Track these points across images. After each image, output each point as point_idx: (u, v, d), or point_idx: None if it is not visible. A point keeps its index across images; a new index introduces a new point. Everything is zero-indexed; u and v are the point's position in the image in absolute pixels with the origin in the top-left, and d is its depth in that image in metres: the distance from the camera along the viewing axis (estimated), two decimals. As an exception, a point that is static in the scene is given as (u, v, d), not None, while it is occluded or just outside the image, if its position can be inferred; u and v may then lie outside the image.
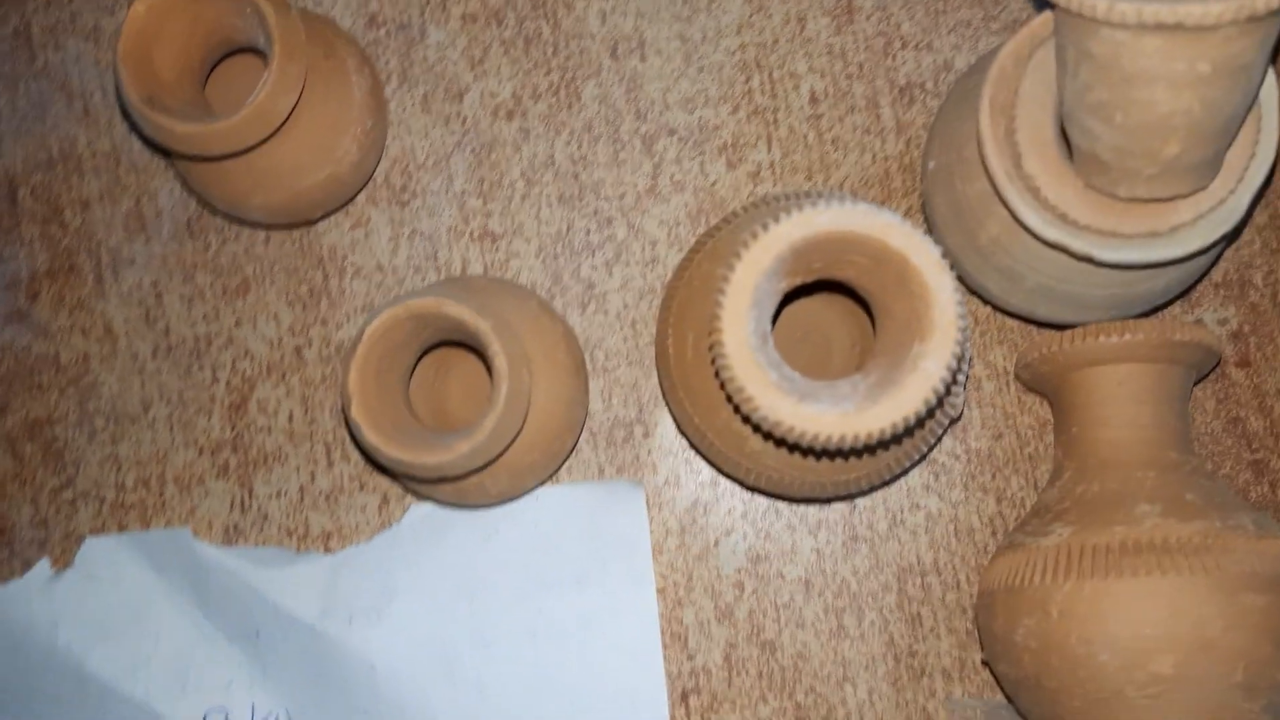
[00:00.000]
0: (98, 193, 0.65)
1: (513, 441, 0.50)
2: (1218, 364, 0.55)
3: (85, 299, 0.64)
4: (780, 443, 0.46)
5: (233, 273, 0.64)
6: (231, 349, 0.63)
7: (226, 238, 0.64)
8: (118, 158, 0.65)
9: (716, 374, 0.44)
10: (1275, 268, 0.59)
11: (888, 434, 0.40)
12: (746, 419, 0.45)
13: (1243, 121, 0.41)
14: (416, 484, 0.55)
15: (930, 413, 0.45)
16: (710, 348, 0.41)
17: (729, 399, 0.45)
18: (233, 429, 0.63)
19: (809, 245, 0.41)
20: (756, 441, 0.48)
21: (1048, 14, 0.46)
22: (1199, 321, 0.59)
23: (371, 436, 0.48)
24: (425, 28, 0.64)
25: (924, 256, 0.40)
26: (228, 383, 0.63)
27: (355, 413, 0.48)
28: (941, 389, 0.40)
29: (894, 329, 0.43)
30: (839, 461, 0.48)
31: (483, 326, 0.48)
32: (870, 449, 0.46)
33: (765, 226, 0.40)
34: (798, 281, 0.44)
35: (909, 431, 0.44)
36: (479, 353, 0.56)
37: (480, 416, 0.48)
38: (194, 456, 0.63)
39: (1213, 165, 0.42)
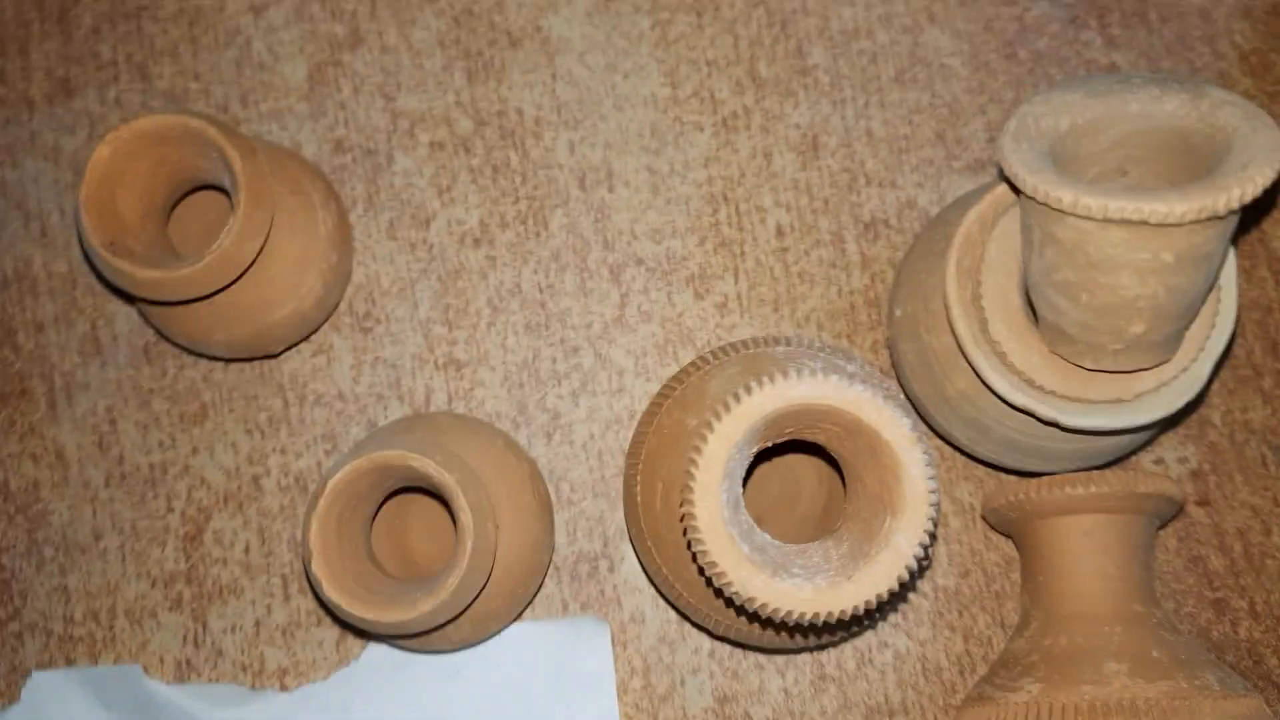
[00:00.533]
0: (52, 315, 0.63)
1: (475, 595, 0.49)
2: (1180, 510, 0.55)
3: (37, 424, 0.63)
4: (742, 613, 0.46)
5: (190, 399, 0.62)
6: (187, 478, 0.62)
7: (184, 364, 0.63)
8: (74, 280, 0.64)
9: (689, 545, 0.43)
10: (1232, 407, 0.60)
11: (860, 611, 0.39)
12: (719, 592, 0.45)
13: (1205, 300, 0.42)
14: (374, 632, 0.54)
15: (904, 586, 0.44)
16: (682, 519, 0.41)
17: (700, 572, 0.44)
18: (187, 560, 0.61)
19: (781, 416, 0.41)
20: (725, 602, 0.47)
21: (1013, 182, 0.46)
22: (1159, 461, 0.60)
23: (333, 594, 0.47)
24: (392, 154, 0.64)
25: (896, 432, 0.40)
26: (183, 512, 0.62)
27: (316, 568, 0.47)
28: (915, 565, 0.39)
29: (865, 495, 0.42)
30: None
31: (448, 480, 0.47)
32: (845, 625, 0.46)
33: (737, 398, 0.40)
34: (768, 444, 0.44)
35: (881, 606, 0.44)
36: (439, 498, 0.55)
37: (443, 573, 0.47)
38: (146, 588, 0.61)
39: (1176, 341, 0.43)
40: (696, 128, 0.64)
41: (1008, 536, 0.58)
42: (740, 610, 0.46)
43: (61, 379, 0.63)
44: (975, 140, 0.63)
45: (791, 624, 0.40)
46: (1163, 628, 0.50)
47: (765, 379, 0.40)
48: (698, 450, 0.40)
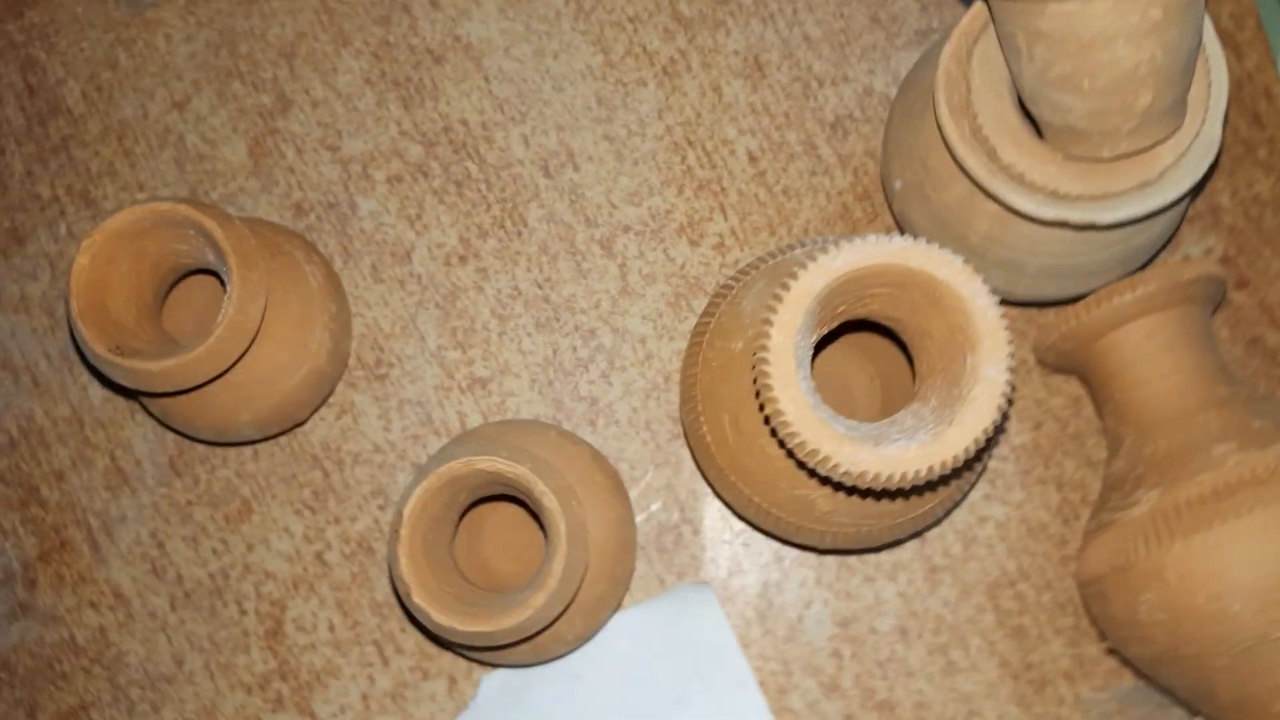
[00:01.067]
0: (69, 460, 0.62)
1: (581, 579, 0.48)
2: (1224, 292, 0.55)
3: (86, 571, 0.61)
4: (854, 493, 0.45)
5: (230, 499, 0.61)
6: (251, 576, 0.60)
7: (214, 465, 0.61)
8: (80, 419, 0.62)
9: (781, 444, 0.42)
10: (1237, 187, 0.60)
11: (973, 451, 0.38)
12: (825, 480, 0.44)
13: (1196, 58, 0.42)
14: (489, 653, 0.53)
15: (1006, 416, 0.44)
16: (768, 421, 0.40)
17: (800, 465, 0.43)
18: (275, 657, 0.59)
19: (833, 292, 0.40)
20: (826, 502, 0.46)
21: (977, 7, 0.46)
22: (1186, 259, 0.60)
23: (442, 618, 0.45)
24: (354, 201, 0.63)
25: (951, 270, 0.39)
26: (257, 611, 0.60)
27: (418, 598, 0.45)
28: (1010, 391, 0.39)
29: (935, 348, 0.42)
30: (914, 498, 0.46)
31: (520, 471, 0.46)
32: (956, 473, 0.45)
33: (786, 286, 0.39)
34: (825, 331, 0.43)
35: (989, 443, 0.43)
36: (514, 500, 0.54)
37: (545, 563, 0.46)
38: (244, 698, 0.59)
39: (1182, 105, 0.43)
40: (640, 84, 0.63)
41: (1069, 373, 0.58)
42: (850, 491, 0.44)
43: (96, 519, 0.61)
44: (909, 14, 0.63)
45: (909, 487, 0.39)
46: (1253, 399, 0.50)
47: (808, 261, 0.40)
48: (764, 349, 0.39)
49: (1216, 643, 0.45)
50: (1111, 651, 0.54)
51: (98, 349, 0.47)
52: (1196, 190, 0.52)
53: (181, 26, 0.65)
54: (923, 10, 0.63)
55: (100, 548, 0.61)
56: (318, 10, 0.65)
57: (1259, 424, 0.48)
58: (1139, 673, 0.54)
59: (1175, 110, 0.42)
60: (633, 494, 0.60)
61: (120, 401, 0.62)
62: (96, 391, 0.62)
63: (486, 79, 0.64)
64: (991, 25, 0.46)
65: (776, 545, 0.59)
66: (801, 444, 0.39)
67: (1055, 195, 0.45)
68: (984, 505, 0.58)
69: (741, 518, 0.57)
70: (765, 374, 0.39)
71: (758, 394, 0.41)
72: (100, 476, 0.61)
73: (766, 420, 0.41)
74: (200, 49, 0.65)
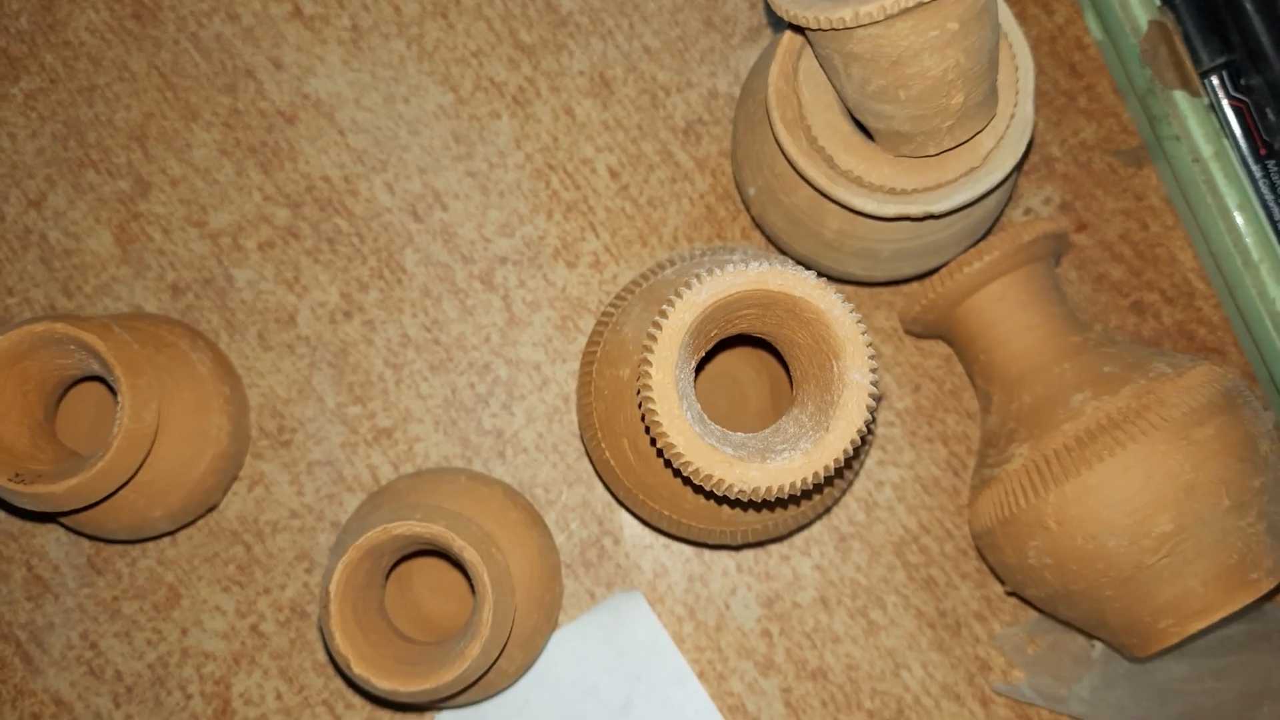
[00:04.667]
0: (-15, 578, 0.61)
1: (512, 619, 0.50)
2: (1067, 241, 0.59)
3: (22, 684, 0.61)
4: (751, 506, 0.48)
5: (155, 588, 0.61)
6: (190, 660, 0.61)
7: (134, 558, 0.61)
8: (-12, 535, 0.62)
9: (677, 474, 0.45)
10: (1065, 136, 0.64)
11: (851, 451, 0.41)
12: (724, 499, 0.46)
13: (998, 49, 0.45)
14: (441, 701, 0.54)
15: (874, 414, 0.47)
16: (661, 454, 0.42)
17: (698, 490, 0.46)
18: (228, 733, 0.61)
19: (703, 322, 0.42)
20: (728, 509, 0.49)
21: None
22: (1028, 211, 0.63)
23: (385, 684, 0.47)
24: (229, 273, 0.63)
25: (805, 286, 0.42)
26: (202, 693, 0.61)
27: (359, 669, 0.47)
28: (876, 390, 0.42)
29: (804, 356, 0.44)
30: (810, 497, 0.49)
31: (436, 530, 0.48)
32: (853, 462, 0.48)
33: (658, 325, 0.42)
34: (702, 354, 0.45)
35: (865, 437, 0.46)
36: (438, 553, 0.56)
37: (474, 613, 0.48)
38: (203, 779, 0.60)
39: (993, 95, 0.46)
40: (493, 116, 0.65)
41: (935, 338, 0.61)
42: (749, 506, 0.47)
43: (23, 631, 0.61)
44: (739, 13, 0.65)
45: (800, 493, 0.42)
46: (1102, 345, 0.54)
47: (675, 299, 0.42)
48: (648, 388, 0.42)
49: (1100, 576, 0.49)
50: (1012, 594, 0.59)
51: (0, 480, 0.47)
52: (1020, 161, 0.56)
53: (24, 123, 0.64)
54: (753, 8, 0.65)
55: (32, 659, 0.61)
56: (160, 88, 0.65)
57: (1109, 369, 0.52)
58: (1040, 610, 0.58)
59: (988, 102, 0.46)
60: (550, 516, 0.62)
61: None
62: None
63: (341, 133, 0.65)
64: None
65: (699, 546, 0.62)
66: (695, 471, 0.41)
67: (893, 193, 0.48)
68: (879, 470, 0.62)
69: (655, 529, 0.60)
70: (652, 411, 0.41)
71: (647, 429, 0.43)
72: (20, 588, 0.61)
73: (659, 453, 0.43)
74: (48, 143, 0.64)
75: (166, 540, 0.61)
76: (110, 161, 0.64)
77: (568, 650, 0.59)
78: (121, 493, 0.52)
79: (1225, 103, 0.57)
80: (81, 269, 0.63)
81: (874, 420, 0.48)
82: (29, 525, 0.61)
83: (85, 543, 0.61)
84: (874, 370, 0.42)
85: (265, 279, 0.63)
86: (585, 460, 0.63)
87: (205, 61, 0.65)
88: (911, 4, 0.39)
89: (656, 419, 0.41)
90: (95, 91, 0.65)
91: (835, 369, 0.42)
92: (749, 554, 0.61)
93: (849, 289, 0.63)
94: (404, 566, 0.58)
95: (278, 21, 0.65)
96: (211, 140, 0.64)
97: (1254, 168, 0.57)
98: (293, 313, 0.63)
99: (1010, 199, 0.62)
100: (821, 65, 0.46)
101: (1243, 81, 0.57)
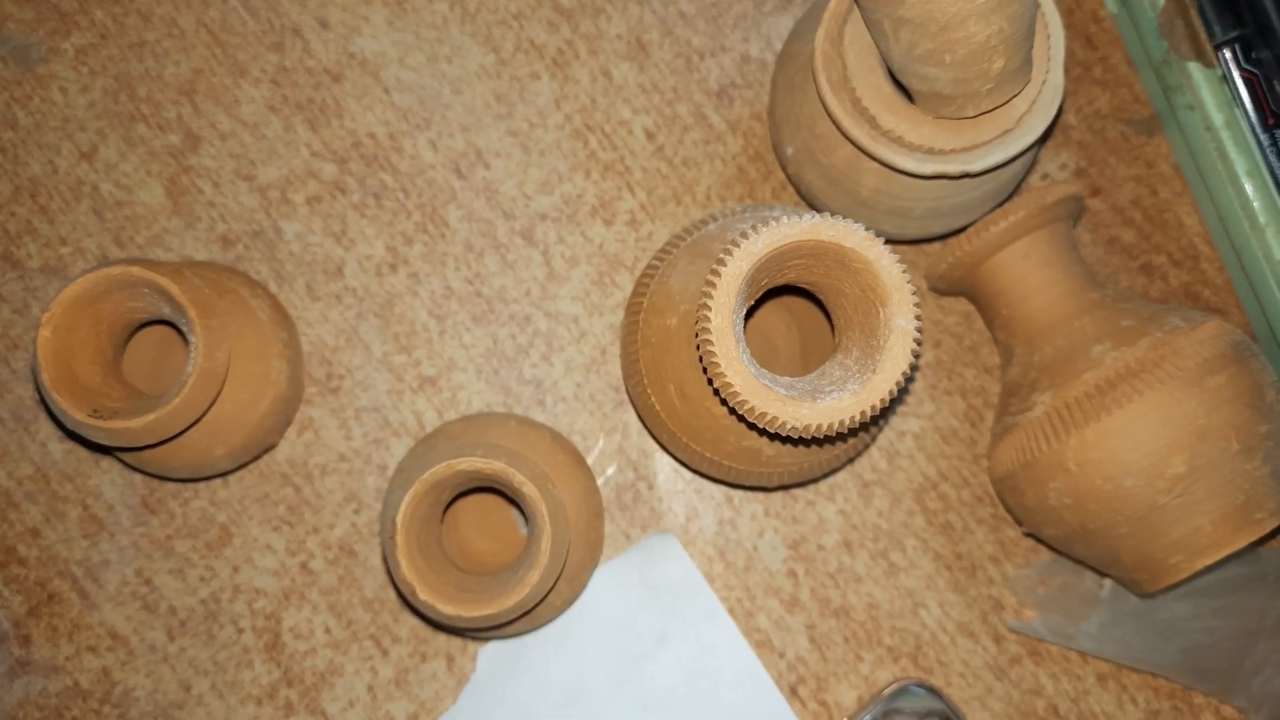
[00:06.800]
0: (42, 516, 0.64)
1: (566, 551, 0.53)
2: (1083, 204, 0.62)
3: (79, 618, 0.63)
4: (800, 442, 0.51)
5: (208, 528, 0.64)
6: (242, 596, 0.64)
7: (186, 498, 0.64)
8: (45, 475, 0.64)
9: (731, 411, 0.48)
10: (1081, 105, 0.67)
11: (896, 392, 0.44)
12: (764, 432, 0.49)
13: (1036, 17, 0.48)
14: (488, 630, 0.57)
15: (918, 355, 0.50)
16: (718, 391, 0.45)
17: (751, 426, 0.49)
18: (279, 667, 0.63)
19: (757, 270, 0.45)
20: (771, 449, 0.52)
21: (843, -9, 0.51)
22: (1045, 176, 0.67)
23: (449, 609, 0.50)
24: (278, 226, 0.66)
25: (855, 237, 0.45)
26: (253, 627, 0.64)
27: (424, 595, 0.50)
28: (919, 335, 0.45)
29: (850, 305, 0.47)
30: (851, 439, 0.52)
31: (498, 466, 0.51)
32: (887, 411, 0.51)
33: (716, 273, 0.44)
34: (752, 301, 0.48)
35: (909, 378, 0.49)
36: (489, 490, 0.58)
37: (531, 543, 0.51)
38: (255, 710, 0.63)
39: (1029, 62, 0.49)
40: (534, 77, 0.67)
41: (959, 295, 0.64)
42: (798, 442, 0.50)
43: (80, 568, 0.64)
44: (773, -20, 0.68)
45: (848, 430, 0.45)
46: (1119, 300, 0.57)
47: (733, 248, 0.45)
48: (707, 331, 0.44)
49: (1116, 515, 0.53)
50: (1029, 535, 0.62)
51: (77, 416, 0.50)
52: (1052, 124, 0.59)
53: (75, 78, 0.66)
54: (784, -24, 0.68)
55: (89, 594, 0.64)
56: (209, 45, 0.66)
57: (1126, 323, 0.55)
58: (1055, 550, 0.62)
59: (1024, 68, 0.48)
60: (589, 462, 0.65)
61: (83, 452, 0.64)
62: (57, 446, 0.64)
63: (386, 91, 0.67)
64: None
65: (726, 488, 0.65)
66: (751, 409, 0.44)
67: (932, 152, 0.51)
68: (901, 422, 0.65)
69: (694, 470, 0.63)
70: (711, 354, 0.44)
71: (705, 370, 0.46)
72: (76, 526, 0.64)
73: (716, 392, 0.46)
74: (99, 97, 0.66)
75: (219, 482, 0.64)
76: (160, 116, 0.66)
77: (606, 588, 0.63)
78: (188, 431, 0.55)
79: (1237, 74, 0.60)
80: (133, 220, 0.65)
81: (917, 364, 0.51)
82: (83, 467, 0.64)
83: (140, 483, 0.64)
84: (918, 317, 0.45)
85: (313, 231, 0.66)
86: (620, 410, 0.65)
87: (253, 19, 0.67)
88: (964, -27, 0.41)
89: (715, 360, 0.44)
90: (145, 47, 0.67)
91: (881, 315, 0.45)
92: (776, 499, 0.65)
93: (874, 248, 0.66)
94: (452, 507, 0.61)
95: (325, -18, 0.67)
96: (260, 96, 0.66)
97: (1262, 136, 0.60)
98: (340, 265, 0.66)
99: (1032, 166, 0.65)
100: (869, 29, 0.49)
101: (1254, 55, 0.60)
